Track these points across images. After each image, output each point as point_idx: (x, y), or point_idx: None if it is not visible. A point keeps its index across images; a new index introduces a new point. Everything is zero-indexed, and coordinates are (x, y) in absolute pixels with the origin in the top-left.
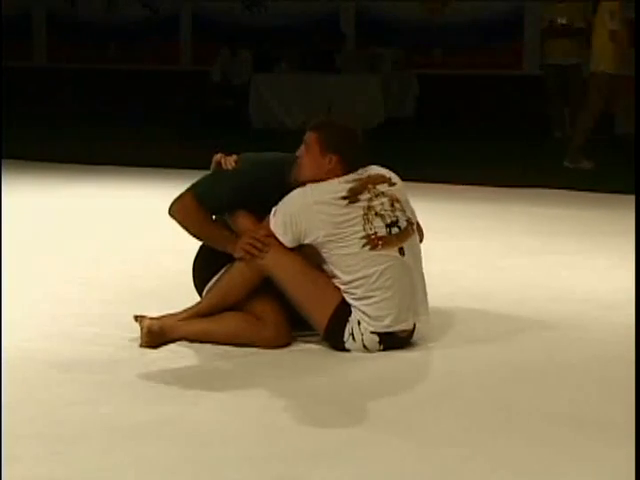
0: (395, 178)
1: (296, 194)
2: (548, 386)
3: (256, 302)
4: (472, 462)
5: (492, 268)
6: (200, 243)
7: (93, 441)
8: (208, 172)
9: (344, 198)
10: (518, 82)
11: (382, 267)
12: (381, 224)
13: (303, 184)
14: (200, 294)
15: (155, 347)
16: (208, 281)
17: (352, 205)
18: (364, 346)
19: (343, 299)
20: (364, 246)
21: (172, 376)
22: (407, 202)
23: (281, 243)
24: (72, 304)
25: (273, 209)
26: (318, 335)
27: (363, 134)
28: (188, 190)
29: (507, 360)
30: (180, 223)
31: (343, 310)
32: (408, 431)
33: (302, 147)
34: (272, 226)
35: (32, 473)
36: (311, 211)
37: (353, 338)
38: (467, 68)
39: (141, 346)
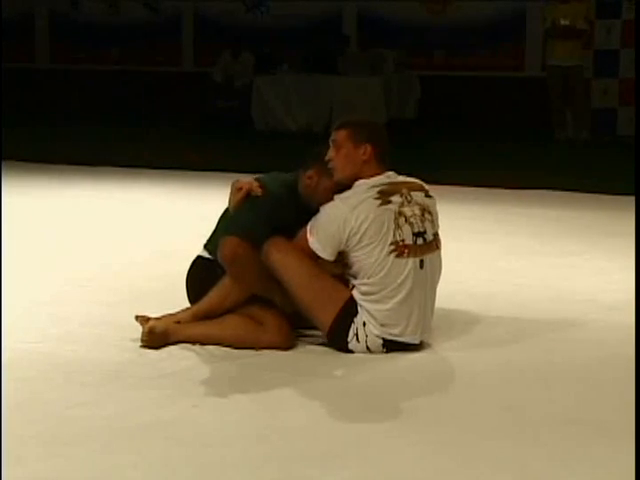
0: (430, 193)
1: (329, 211)
2: (549, 387)
3: (257, 306)
4: (474, 463)
5: (493, 269)
6: (193, 257)
7: (94, 442)
8: (241, 206)
9: (376, 199)
10: (520, 83)
11: (402, 277)
12: (409, 232)
13: (330, 198)
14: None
15: (156, 348)
16: (201, 296)
17: (384, 207)
18: (367, 348)
19: (349, 299)
20: (391, 253)
21: (173, 377)
22: (437, 217)
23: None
24: (73, 305)
25: (309, 226)
26: (321, 337)
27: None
28: (232, 233)
29: (508, 361)
30: (237, 272)
31: (349, 310)
32: (409, 433)
33: (331, 149)
34: (310, 244)
35: (34, 474)
36: (348, 221)
37: (357, 339)
38: (469, 69)
39: (142, 346)
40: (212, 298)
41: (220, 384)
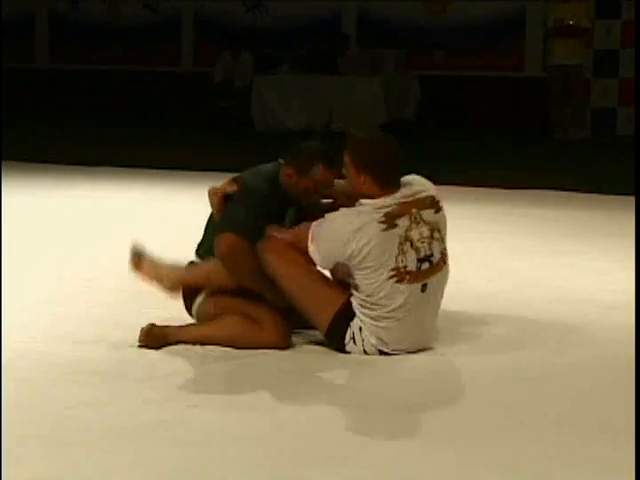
0: (437, 196)
1: (334, 228)
2: (549, 387)
3: (253, 306)
4: (475, 463)
5: (493, 269)
6: (193, 257)
7: (94, 442)
8: (228, 207)
9: (381, 223)
10: (520, 83)
11: (400, 301)
12: (413, 258)
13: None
14: (190, 313)
15: (155, 348)
16: (195, 294)
17: (388, 232)
18: (364, 351)
19: (346, 301)
20: (391, 278)
21: (173, 377)
22: (446, 224)
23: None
24: (73, 305)
25: (311, 232)
26: (320, 337)
27: (394, 145)
28: (226, 229)
29: (508, 361)
30: (234, 267)
31: (346, 312)
32: (410, 433)
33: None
34: (310, 252)
35: (34, 474)
36: (350, 243)
37: (354, 342)
38: (468, 69)
39: (139, 346)
40: (199, 272)
41: (220, 384)
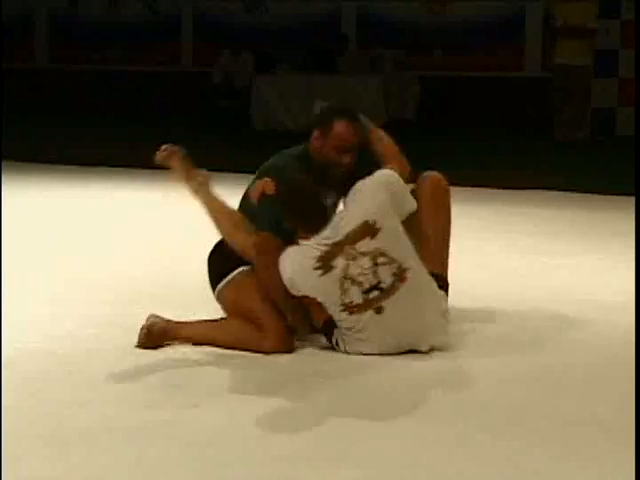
0: (378, 214)
1: (282, 262)
2: (548, 387)
3: (256, 311)
4: (475, 463)
5: (491, 269)
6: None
7: (94, 442)
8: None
9: (317, 269)
10: (519, 83)
11: (357, 327)
12: (357, 292)
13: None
14: (213, 289)
15: (154, 348)
16: (222, 277)
17: (326, 275)
18: (346, 351)
19: None
20: (342, 312)
21: (173, 377)
22: (395, 238)
23: None
24: (73, 305)
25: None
26: (320, 340)
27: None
28: (264, 228)
29: (507, 361)
30: (266, 266)
31: (332, 320)
32: (411, 433)
33: None
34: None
35: (33, 474)
36: (294, 283)
37: (337, 343)
38: (468, 69)
39: (137, 345)
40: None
41: (220, 384)
